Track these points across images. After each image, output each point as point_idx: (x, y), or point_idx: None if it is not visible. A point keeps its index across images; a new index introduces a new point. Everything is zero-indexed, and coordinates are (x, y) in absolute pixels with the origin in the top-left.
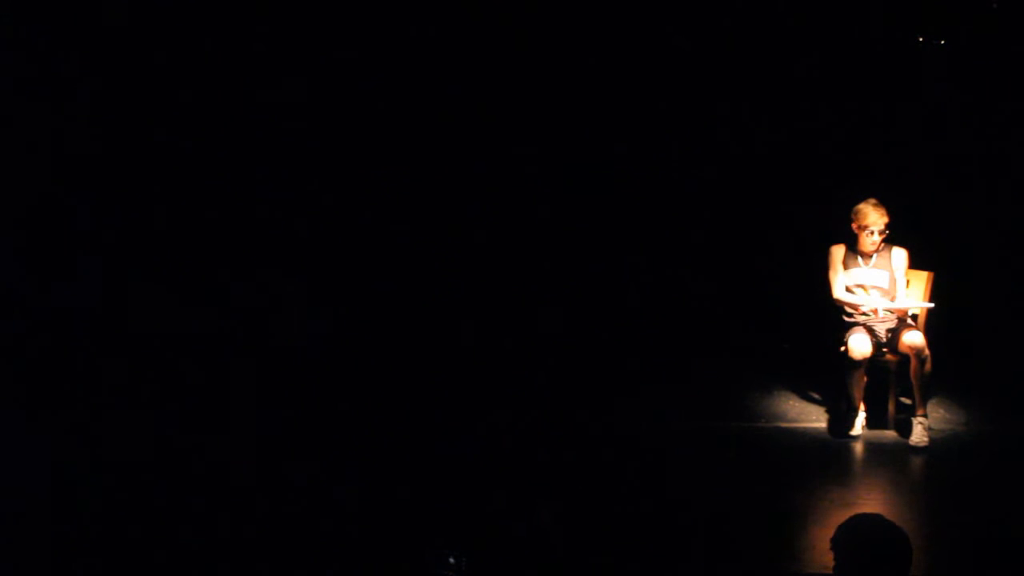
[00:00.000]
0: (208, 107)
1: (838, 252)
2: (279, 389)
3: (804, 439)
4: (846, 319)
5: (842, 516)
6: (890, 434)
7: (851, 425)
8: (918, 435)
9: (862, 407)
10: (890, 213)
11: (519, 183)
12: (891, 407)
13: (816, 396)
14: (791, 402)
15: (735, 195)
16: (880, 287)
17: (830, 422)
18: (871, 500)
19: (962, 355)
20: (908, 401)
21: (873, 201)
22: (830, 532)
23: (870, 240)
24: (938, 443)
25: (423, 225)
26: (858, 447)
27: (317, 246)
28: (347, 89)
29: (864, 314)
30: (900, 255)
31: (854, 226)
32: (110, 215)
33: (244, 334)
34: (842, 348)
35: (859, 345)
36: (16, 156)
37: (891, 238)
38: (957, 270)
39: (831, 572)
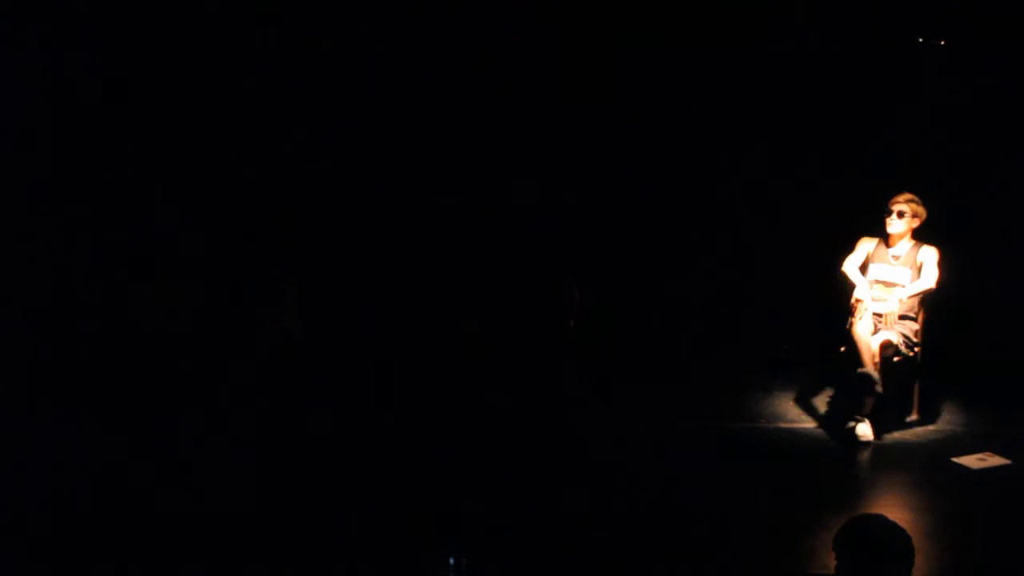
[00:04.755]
0: (209, 105)
1: (866, 241)
2: (275, 389)
3: (804, 439)
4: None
5: (843, 517)
6: (891, 435)
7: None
8: (861, 431)
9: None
10: (926, 210)
11: (521, 181)
12: (892, 408)
13: (816, 397)
14: (791, 402)
15: (736, 195)
16: (900, 284)
17: (830, 422)
18: (872, 500)
19: (962, 355)
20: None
21: (908, 194)
22: (831, 533)
23: (890, 222)
24: (939, 444)
25: (420, 221)
26: (859, 447)
27: (312, 242)
28: (349, 86)
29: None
30: (929, 253)
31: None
32: (108, 212)
33: (240, 332)
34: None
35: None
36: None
37: (923, 239)
38: (957, 270)
39: (832, 573)
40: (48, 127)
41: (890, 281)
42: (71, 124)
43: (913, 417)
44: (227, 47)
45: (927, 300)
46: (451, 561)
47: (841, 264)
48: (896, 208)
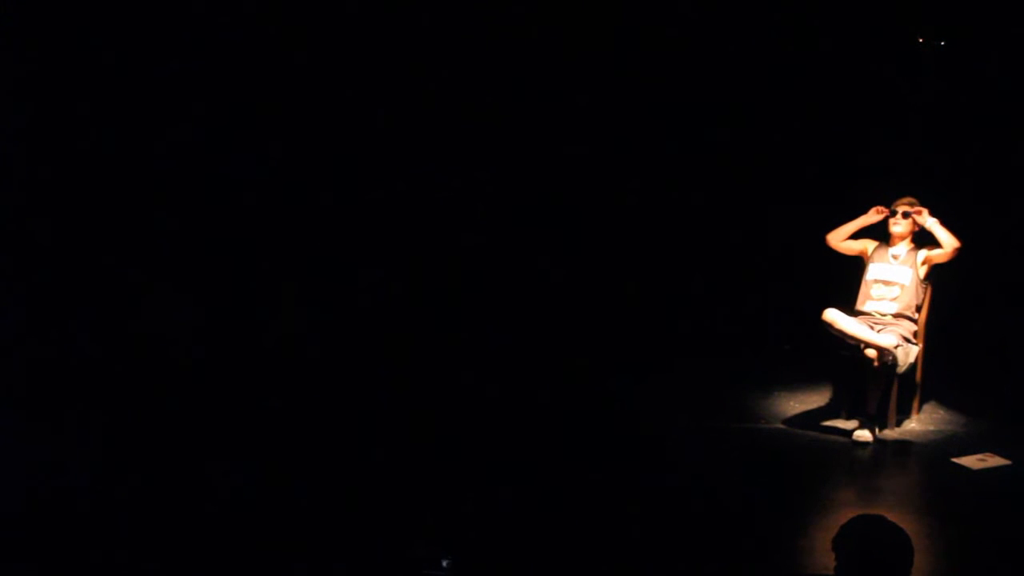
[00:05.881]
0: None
1: (868, 241)
2: (269, 389)
3: (804, 439)
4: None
5: (843, 517)
6: (891, 435)
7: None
8: (860, 432)
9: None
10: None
11: (519, 183)
12: (892, 408)
13: (817, 397)
14: (791, 402)
15: (737, 195)
16: (900, 283)
17: (830, 422)
18: (872, 501)
19: (962, 356)
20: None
21: (911, 197)
22: (831, 533)
23: (894, 222)
24: (939, 444)
25: (419, 224)
26: (859, 448)
27: (310, 245)
28: (344, 90)
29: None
30: (926, 253)
31: (889, 219)
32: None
33: (235, 333)
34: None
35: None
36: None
37: (922, 244)
38: (958, 271)
39: (832, 573)
40: (45, 127)
41: (890, 280)
42: (68, 124)
43: (913, 417)
44: (226, 45)
45: (928, 300)
46: (442, 563)
47: (829, 236)
48: (901, 209)
